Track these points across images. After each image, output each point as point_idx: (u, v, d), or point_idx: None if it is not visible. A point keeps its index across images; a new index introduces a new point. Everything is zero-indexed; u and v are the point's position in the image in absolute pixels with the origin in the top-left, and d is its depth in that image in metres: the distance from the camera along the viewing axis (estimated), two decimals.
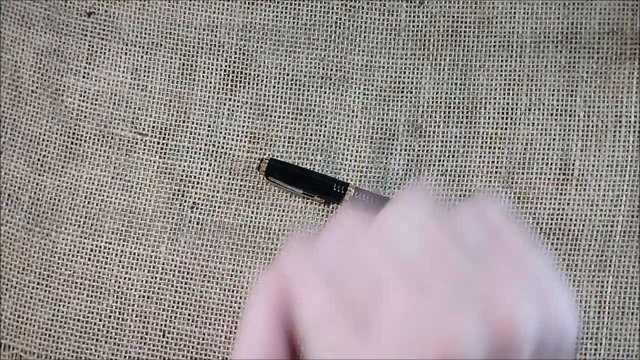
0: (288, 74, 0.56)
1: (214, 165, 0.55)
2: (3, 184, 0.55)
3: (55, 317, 0.54)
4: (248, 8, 0.57)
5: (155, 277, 0.54)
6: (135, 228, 0.55)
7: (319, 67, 0.56)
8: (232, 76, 0.56)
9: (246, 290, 0.53)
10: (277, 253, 0.54)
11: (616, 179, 0.53)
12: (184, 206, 0.55)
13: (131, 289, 0.54)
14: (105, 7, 0.57)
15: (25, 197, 0.55)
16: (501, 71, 0.55)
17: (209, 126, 0.56)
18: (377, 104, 0.55)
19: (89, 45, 0.57)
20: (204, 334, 0.53)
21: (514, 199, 0.54)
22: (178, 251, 0.54)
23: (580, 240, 0.52)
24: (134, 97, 0.56)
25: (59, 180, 0.55)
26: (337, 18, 0.57)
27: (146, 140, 0.56)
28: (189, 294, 0.54)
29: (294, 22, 0.57)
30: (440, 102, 0.55)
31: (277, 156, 0.55)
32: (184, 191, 0.55)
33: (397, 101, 0.55)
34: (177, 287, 0.54)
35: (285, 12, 0.57)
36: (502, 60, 0.55)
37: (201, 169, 0.55)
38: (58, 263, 0.54)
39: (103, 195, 0.55)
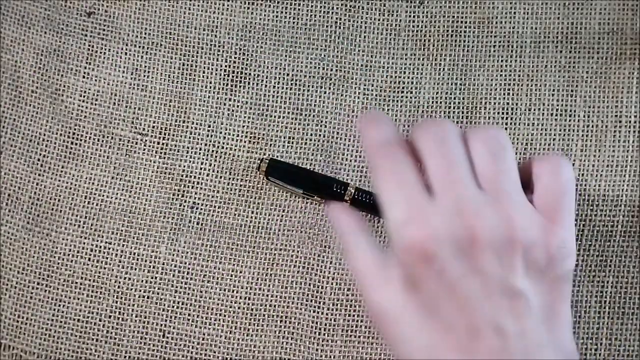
0: (288, 74, 0.56)
1: (214, 165, 0.55)
2: (3, 184, 0.55)
3: (55, 317, 0.54)
4: (248, 8, 0.57)
5: (155, 277, 0.54)
6: (135, 228, 0.55)
7: (319, 67, 0.56)
8: (232, 76, 0.56)
9: (246, 290, 0.53)
10: (277, 253, 0.54)
11: (616, 179, 0.53)
12: (184, 206, 0.55)
13: (131, 289, 0.54)
14: (105, 7, 0.57)
15: (25, 197, 0.55)
16: (501, 71, 0.55)
17: (209, 126, 0.56)
18: (377, 104, 0.55)
19: (89, 45, 0.57)
20: (204, 334, 0.53)
21: None
22: (178, 251, 0.54)
23: (580, 240, 0.52)
24: (134, 97, 0.56)
25: (59, 180, 0.55)
26: (337, 18, 0.57)
27: (146, 140, 0.56)
28: (188, 294, 0.54)
29: (294, 22, 0.57)
30: (440, 102, 0.55)
31: (277, 156, 0.55)
32: (184, 191, 0.55)
33: (397, 101, 0.55)
34: (177, 287, 0.54)
35: (285, 12, 0.57)
36: (502, 60, 0.55)
37: (201, 169, 0.55)
38: (58, 263, 0.54)
39: (103, 195, 0.55)
